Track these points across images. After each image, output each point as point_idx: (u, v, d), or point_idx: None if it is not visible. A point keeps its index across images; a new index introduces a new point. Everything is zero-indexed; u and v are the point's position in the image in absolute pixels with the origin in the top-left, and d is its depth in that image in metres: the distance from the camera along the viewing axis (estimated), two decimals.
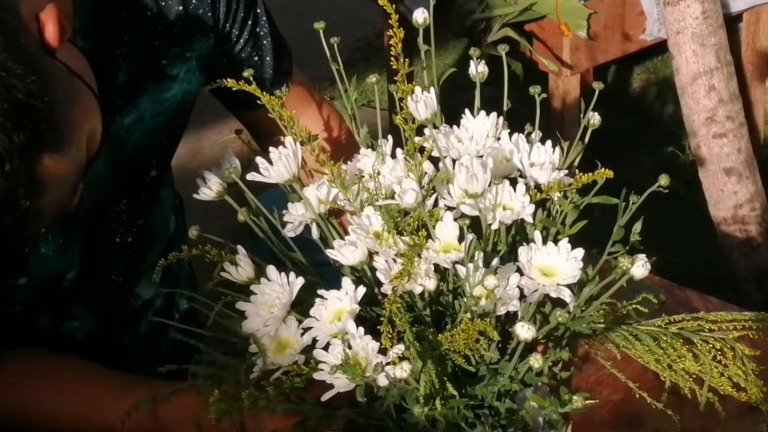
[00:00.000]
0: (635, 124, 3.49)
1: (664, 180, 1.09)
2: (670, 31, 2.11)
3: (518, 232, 1.20)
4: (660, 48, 2.50)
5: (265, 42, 1.46)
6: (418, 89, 1.17)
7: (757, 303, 2.19)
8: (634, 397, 1.34)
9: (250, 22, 1.42)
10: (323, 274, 1.22)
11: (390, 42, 1.21)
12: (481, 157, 1.17)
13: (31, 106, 0.89)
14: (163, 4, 1.29)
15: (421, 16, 1.21)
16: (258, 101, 1.18)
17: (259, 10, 1.43)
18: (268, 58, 1.47)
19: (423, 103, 1.14)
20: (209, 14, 1.34)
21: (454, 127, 1.23)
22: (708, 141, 2.11)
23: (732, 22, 2.86)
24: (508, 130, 1.23)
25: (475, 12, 2.50)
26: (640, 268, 1.05)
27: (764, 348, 1.38)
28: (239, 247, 1.16)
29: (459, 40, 3.38)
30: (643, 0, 2.52)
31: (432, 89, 1.16)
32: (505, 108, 1.27)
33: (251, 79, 1.21)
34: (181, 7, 1.30)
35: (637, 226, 1.13)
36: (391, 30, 1.20)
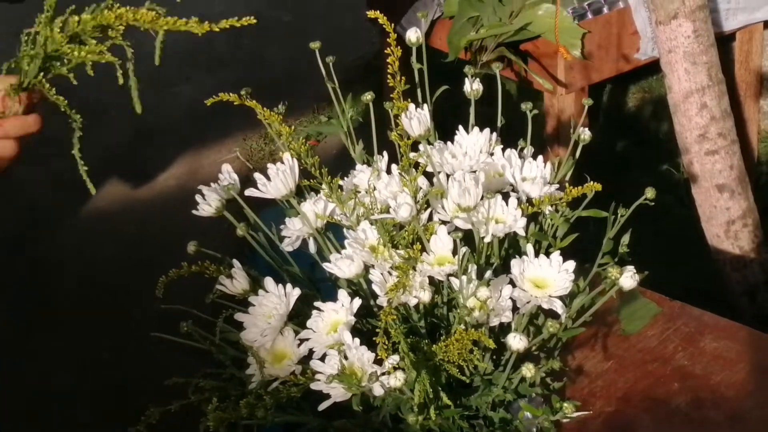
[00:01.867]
0: (630, 143, 3.51)
1: (650, 193, 1.12)
2: (663, 50, 2.13)
3: (511, 245, 1.23)
4: (655, 67, 2.52)
5: None
6: (411, 106, 1.19)
7: (750, 317, 2.21)
8: (626, 408, 1.36)
9: None
10: (322, 289, 1.25)
11: (387, 60, 1.24)
12: (474, 172, 1.20)
13: None
14: None
15: (414, 35, 1.24)
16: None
17: None
18: None
19: (416, 119, 1.17)
20: None
21: (449, 143, 1.26)
22: (700, 158, 2.13)
23: (725, 41, 2.89)
24: (501, 146, 1.26)
25: (470, 33, 2.53)
26: (628, 279, 1.08)
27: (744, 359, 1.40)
28: (234, 261, 1.19)
29: (455, 59, 3.41)
30: (637, 19, 2.55)
31: (425, 106, 1.19)
32: (498, 124, 1.30)
33: None
34: None
35: (625, 239, 1.16)
36: (388, 48, 1.23)
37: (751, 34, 2.89)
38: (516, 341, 1.07)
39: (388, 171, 1.25)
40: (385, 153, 1.27)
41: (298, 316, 1.16)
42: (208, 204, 1.22)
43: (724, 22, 2.73)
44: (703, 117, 2.10)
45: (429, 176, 1.22)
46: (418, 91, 1.30)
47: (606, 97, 3.63)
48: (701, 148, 2.13)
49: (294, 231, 1.23)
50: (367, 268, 1.17)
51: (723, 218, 2.17)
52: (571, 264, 1.13)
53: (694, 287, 2.69)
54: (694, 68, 2.08)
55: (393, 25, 1.22)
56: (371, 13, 1.26)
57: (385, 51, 1.25)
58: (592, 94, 3.34)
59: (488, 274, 1.14)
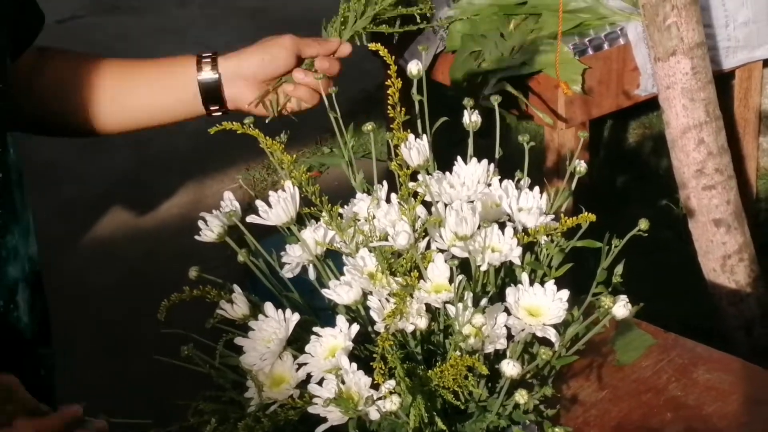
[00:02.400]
0: (630, 177, 3.54)
1: (644, 224, 1.14)
2: (661, 86, 2.17)
3: (507, 274, 1.25)
4: (655, 103, 2.55)
5: None
6: (411, 137, 1.22)
7: (746, 351, 2.23)
8: None
9: None
10: (321, 316, 1.27)
11: (388, 92, 1.27)
12: (472, 201, 1.22)
13: None
14: None
15: (415, 67, 1.27)
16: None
17: None
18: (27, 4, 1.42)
19: (416, 149, 1.19)
20: None
21: (447, 173, 1.28)
22: (698, 193, 2.16)
23: (725, 79, 2.93)
24: (499, 177, 1.28)
25: (472, 67, 2.57)
26: (621, 308, 1.10)
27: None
28: (235, 286, 1.21)
29: (457, 92, 3.45)
30: (637, 56, 2.58)
31: (424, 137, 1.21)
32: (496, 156, 1.32)
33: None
34: None
35: (619, 269, 1.18)
36: (389, 80, 1.26)
37: (750, 72, 2.93)
38: (510, 368, 1.09)
39: (388, 200, 1.28)
40: (385, 182, 1.30)
41: (297, 341, 1.18)
42: (210, 230, 1.24)
43: (723, 60, 2.77)
44: (700, 152, 2.13)
45: (428, 205, 1.24)
46: (419, 122, 1.32)
47: (607, 132, 3.66)
48: (698, 183, 2.16)
49: (294, 258, 1.26)
50: (365, 294, 1.19)
51: (719, 253, 2.19)
52: (565, 293, 1.15)
53: (692, 321, 2.71)
54: (692, 104, 2.12)
55: (395, 57, 1.25)
56: (372, 46, 1.29)
57: (386, 83, 1.28)
58: (593, 129, 3.38)
59: (484, 301, 1.16)
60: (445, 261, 1.16)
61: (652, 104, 2.56)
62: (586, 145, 3.40)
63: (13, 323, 1.30)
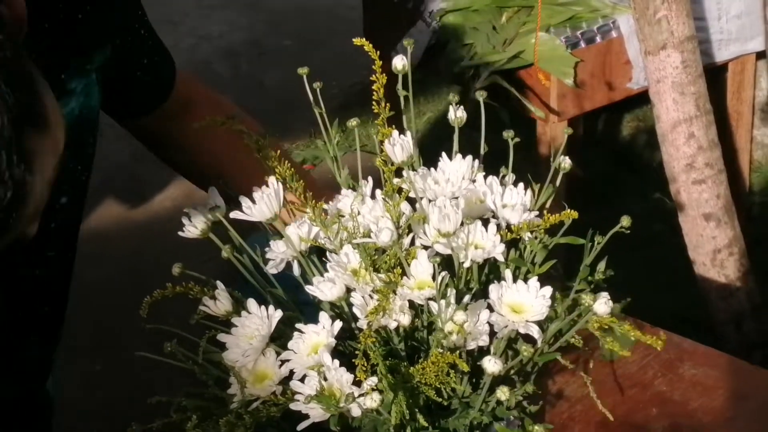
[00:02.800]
0: (624, 171, 3.54)
1: (626, 221, 1.14)
2: (651, 80, 2.16)
3: (491, 271, 1.25)
4: (648, 96, 2.55)
5: (153, 49, 1.44)
6: (395, 133, 1.21)
7: (735, 345, 2.23)
8: None
9: (142, 32, 1.39)
10: (306, 313, 1.27)
11: (373, 87, 1.26)
12: (456, 198, 1.22)
13: (15, 72, 0.83)
14: (63, 16, 1.23)
15: (400, 62, 1.27)
16: (155, 106, 1.21)
17: (146, 18, 1.40)
18: (158, 63, 1.46)
19: (399, 146, 1.19)
20: (107, 24, 1.30)
21: (432, 169, 1.28)
22: (688, 187, 2.16)
23: (718, 72, 2.93)
24: (484, 173, 1.28)
25: (464, 59, 2.56)
26: (602, 305, 1.10)
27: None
28: (218, 283, 1.21)
29: (451, 86, 3.45)
30: (630, 49, 2.58)
31: (408, 133, 1.21)
32: (482, 152, 1.32)
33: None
34: (80, 15, 1.24)
35: (601, 266, 1.18)
36: (375, 75, 1.26)
37: (743, 65, 2.93)
38: (491, 364, 1.09)
39: (373, 196, 1.27)
40: (370, 178, 1.30)
41: (280, 338, 1.18)
42: (193, 226, 1.24)
43: (716, 53, 2.77)
44: (690, 147, 2.13)
45: (414, 202, 1.24)
46: (404, 118, 1.32)
47: (600, 125, 3.66)
48: (688, 178, 2.16)
49: (278, 254, 1.25)
50: (348, 291, 1.19)
51: (709, 247, 2.19)
52: (548, 290, 1.15)
53: (684, 314, 2.72)
54: (683, 98, 2.11)
55: (380, 50, 1.25)
56: (357, 41, 1.28)
57: (371, 78, 1.27)
58: (587, 123, 3.38)
59: (467, 298, 1.16)
60: (429, 258, 1.16)
61: (645, 97, 2.56)
62: (579, 139, 3.40)
63: None
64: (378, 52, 1.25)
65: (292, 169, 1.27)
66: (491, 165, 1.31)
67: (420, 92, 3.93)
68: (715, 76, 2.96)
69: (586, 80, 2.58)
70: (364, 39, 1.28)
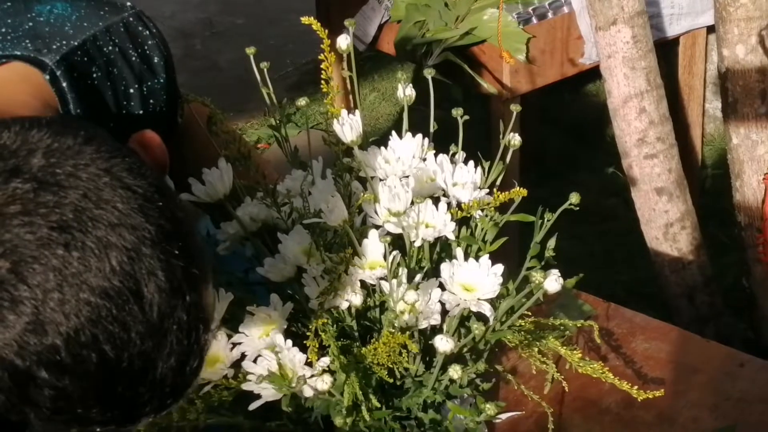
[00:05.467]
0: (579, 146, 3.55)
1: (575, 198, 1.14)
2: (602, 55, 2.16)
3: (443, 250, 1.25)
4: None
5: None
6: (344, 112, 1.21)
7: (689, 319, 2.25)
8: (559, 409, 1.39)
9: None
10: (258, 293, 1.26)
11: (321, 66, 1.26)
12: (406, 177, 1.22)
13: (183, 234, 0.82)
14: (125, 111, 1.25)
15: (344, 42, 1.26)
16: None
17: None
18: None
19: (348, 125, 1.18)
20: (165, 116, 1.31)
21: (382, 148, 1.27)
22: (639, 162, 2.17)
23: (669, 46, 2.93)
24: (434, 151, 1.28)
25: (416, 37, 2.55)
26: (552, 282, 1.10)
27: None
28: None
29: (404, 64, 3.44)
30: (581, 24, 2.58)
31: (357, 112, 1.20)
32: (431, 130, 1.31)
33: None
34: (141, 111, 1.25)
35: (551, 243, 1.18)
36: (322, 54, 1.25)
37: (694, 38, 2.94)
38: (443, 343, 1.09)
39: (324, 176, 1.27)
40: (320, 158, 1.29)
41: (232, 320, 1.17)
42: None
43: (667, 28, 2.77)
44: (642, 121, 2.14)
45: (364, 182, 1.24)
46: (353, 96, 1.31)
47: (555, 101, 3.66)
48: (640, 152, 2.17)
49: (229, 235, 1.25)
50: (300, 271, 1.18)
51: (661, 221, 2.21)
52: (499, 267, 1.15)
53: (638, 288, 2.73)
54: (633, 73, 2.12)
55: (334, 29, 1.24)
56: (305, 20, 1.28)
57: (319, 57, 1.27)
58: (541, 99, 3.38)
59: (418, 277, 1.16)
60: (379, 237, 1.15)
61: (599, 72, 2.56)
62: (535, 115, 3.41)
63: None
64: (326, 31, 1.25)
65: (240, 151, 1.26)
66: (446, 141, 1.30)
67: (374, 69, 3.92)
68: (667, 50, 2.97)
69: (538, 56, 2.57)
70: (312, 18, 1.28)
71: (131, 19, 1.22)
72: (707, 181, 3.28)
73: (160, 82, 1.25)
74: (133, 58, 1.22)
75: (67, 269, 0.73)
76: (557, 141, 3.61)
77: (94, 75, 1.17)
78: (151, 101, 1.25)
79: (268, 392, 1.09)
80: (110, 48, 1.19)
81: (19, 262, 0.72)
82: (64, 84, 1.12)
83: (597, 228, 3.11)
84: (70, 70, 1.13)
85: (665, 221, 2.20)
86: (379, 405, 1.12)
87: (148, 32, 1.23)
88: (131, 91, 1.22)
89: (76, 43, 1.15)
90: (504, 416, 1.37)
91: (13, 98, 1.06)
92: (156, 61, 1.24)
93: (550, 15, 2.60)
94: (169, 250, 0.78)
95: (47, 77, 1.11)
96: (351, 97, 1.30)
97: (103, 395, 0.76)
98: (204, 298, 0.82)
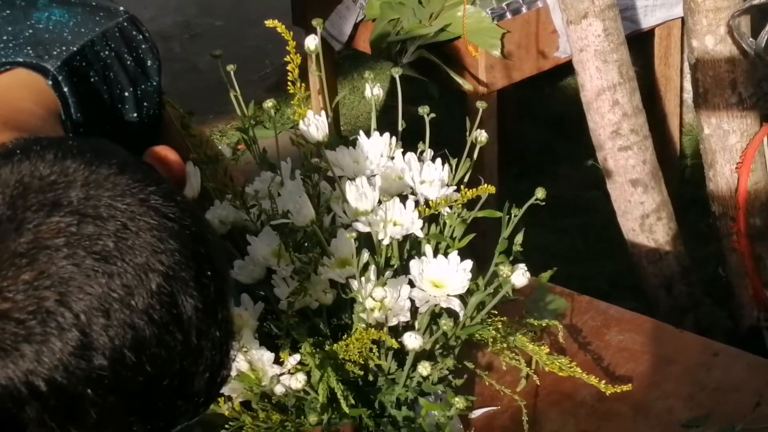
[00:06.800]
0: (558, 139, 3.56)
1: (540, 193, 1.15)
2: (574, 49, 2.17)
3: (413, 247, 1.25)
4: None
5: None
6: (310, 113, 1.21)
7: (667, 309, 2.26)
8: (534, 403, 1.39)
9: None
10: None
11: (288, 68, 1.26)
12: (374, 175, 1.22)
13: (213, 255, 0.84)
14: (119, 115, 1.26)
15: (312, 43, 1.26)
16: None
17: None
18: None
19: (314, 126, 1.19)
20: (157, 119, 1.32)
21: (351, 147, 1.28)
22: (614, 154, 2.18)
23: (644, 37, 2.95)
24: (401, 150, 1.28)
25: (391, 35, 2.56)
26: (519, 276, 1.10)
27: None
28: None
29: (380, 61, 3.44)
30: (556, 18, 2.59)
31: (323, 113, 1.21)
32: (399, 128, 1.32)
33: None
34: (135, 115, 1.26)
35: (519, 238, 1.18)
36: (289, 56, 1.26)
37: (669, 30, 2.95)
38: (411, 340, 1.09)
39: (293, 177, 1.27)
40: (289, 159, 1.29)
41: None
42: None
43: (642, 19, 2.79)
44: (615, 114, 2.15)
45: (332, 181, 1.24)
46: (323, 97, 1.32)
47: (533, 95, 3.67)
48: (614, 145, 2.18)
49: None
50: (270, 272, 1.19)
51: (637, 212, 2.22)
52: (468, 263, 1.15)
53: (619, 280, 2.74)
54: (605, 66, 2.13)
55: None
56: (269, 23, 1.28)
57: (285, 59, 1.27)
58: (519, 93, 3.39)
59: (387, 275, 1.16)
60: (347, 236, 1.16)
61: None
62: (514, 110, 3.42)
63: None
64: (303, 31, 1.25)
65: (212, 152, 1.26)
66: (423, 139, 1.30)
67: (353, 68, 3.92)
68: (642, 42, 2.99)
69: (513, 51, 2.59)
70: (274, 21, 1.28)
71: (126, 23, 1.25)
72: (686, 171, 3.29)
73: (153, 85, 1.27)
74: (128, 62, 1.24)
75: (111, 296, 0.76)
76: (538, 135, 3.62)
77: (92, 79, 1.20)
78: (145, 104, 1.27)
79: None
80: (107, 53, 1.21)
81: (66, 293, 0.75)
82: (66, 89, 1.14)
83: (578, 221, 3.12)
84: (70, 75, 1.15)
85: (641, 212, 2.21)
86: (354, 402, 1.13)
87: (141, 36, 1.25)
88: (126, 94, 1.24)
89: (75, 49, 1.17)
90: (479, 411, 1.37)
91: (18, 105, 1.08)
92: (149, 64, 1.27)
93: (524, 10, 2.61)
94: (203, 272, 0.81)
95: (50, 83, 1.13)
96: (321, 96, 1.30)
97: (144, 410, 0.80)
98: (231, 311, 0.86)
